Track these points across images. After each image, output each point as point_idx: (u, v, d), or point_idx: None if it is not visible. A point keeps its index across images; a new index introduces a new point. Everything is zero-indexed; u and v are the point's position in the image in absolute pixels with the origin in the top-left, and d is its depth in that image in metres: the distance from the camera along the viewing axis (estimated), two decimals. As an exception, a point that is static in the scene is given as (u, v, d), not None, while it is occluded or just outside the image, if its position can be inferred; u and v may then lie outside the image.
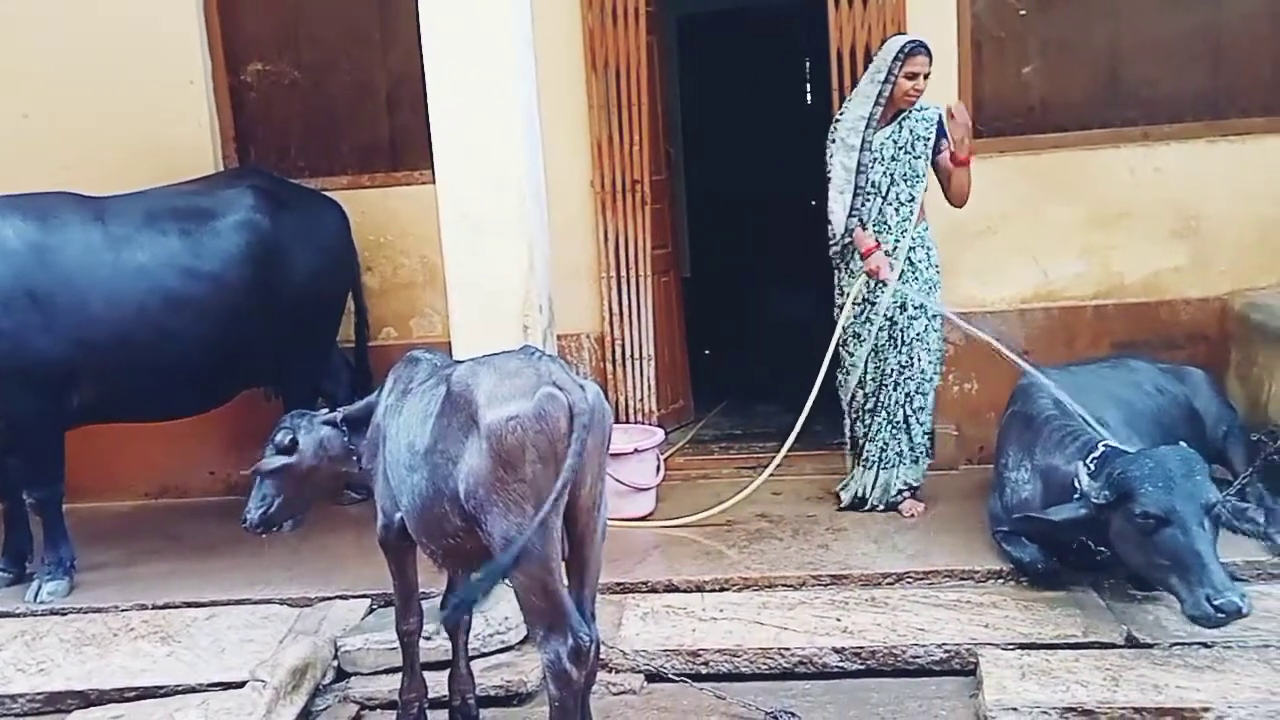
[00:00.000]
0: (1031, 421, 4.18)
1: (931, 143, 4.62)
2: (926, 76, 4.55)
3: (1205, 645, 3.49)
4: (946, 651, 3.67)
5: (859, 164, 4.63)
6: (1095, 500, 3.57)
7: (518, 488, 2.77)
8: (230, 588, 4.44)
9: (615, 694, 3.70)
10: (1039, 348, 5.15)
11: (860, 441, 4.83)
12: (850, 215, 4.67)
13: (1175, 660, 3.45)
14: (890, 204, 4.65)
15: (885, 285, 4.61)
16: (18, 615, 4.38)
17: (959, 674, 3.63)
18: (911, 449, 4.77)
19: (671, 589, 4.23)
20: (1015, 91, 5.41)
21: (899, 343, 4.68)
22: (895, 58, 4.53)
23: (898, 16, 5.20)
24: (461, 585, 3.35)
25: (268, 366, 5.05)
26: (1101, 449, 3.74)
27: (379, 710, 3.70)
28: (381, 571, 3.46)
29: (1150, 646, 3.55)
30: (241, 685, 3.59)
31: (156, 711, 3.56)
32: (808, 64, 9.34)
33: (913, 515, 4.76)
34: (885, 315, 4.66)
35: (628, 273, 5.62)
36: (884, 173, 4.63)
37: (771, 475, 4.81)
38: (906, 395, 4.71)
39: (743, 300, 8.91)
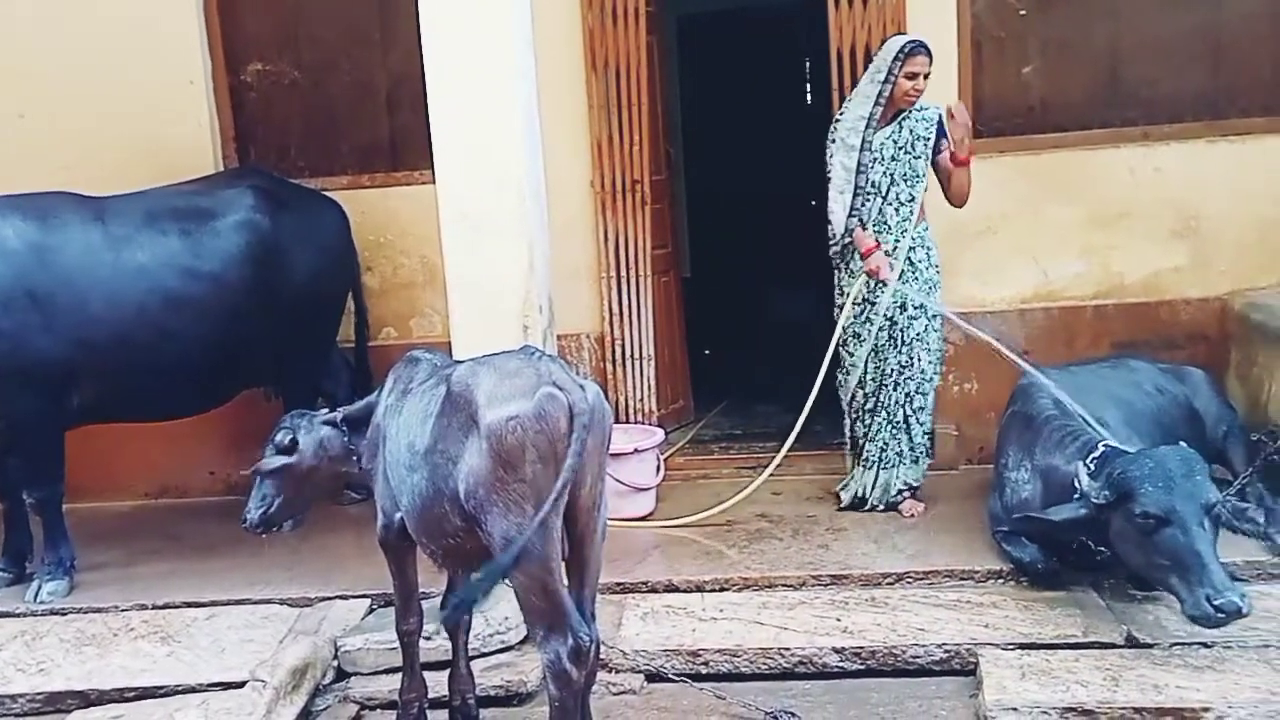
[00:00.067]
0: (1031, 421, 4.18)
1: (931, 143, 4.62)
2: (926, 76, 4.55)
3: (1205, 645, 3.49)
4: (946, 651, 3.67)
5: (859, 164, 4.63)
6: (1095, 500, 3.57)
7: (518, 488, 2.77)
8: (230, 588, 4.44)
9: (615, 694, 3.70)
10: (1039, 348, 5.15)
11: (860, 441, 4.83)
12: (850, 215, 4.67)
13: (1175, 660, 3.45)
14: (890, 204, 4.65)
15: (885, 285, 4.61)
16: (18, 615, 4.38)
17: (959, 674, 3.63)
18: (911, 449, 4.77)
19: (671, 589, 4.23)
20: (1015, 91, 5.41)
21: (899, 343, 4.68)
22: (895, 57, 4.53)
23: (898, 16, 5.20)
24: (461, 585, 3.35)
25: (268, 366, 5.05)
26: (1101, 449, 3.75)
27: (379, 710, 3.70)
28: (381, 571, 3.46)
29: (1150, 646, 3.55)
30: (241, 685, 3.59)
31: (156, 711, 3.56)
32: (808, 64, 9.34)
33: (913, 515, 4.76)
34: (885, 315, 4.66)
35: (628, 273, 5.62)
36: (884, 172, 4.63)
37: (771, 475, 4.81)
38: (906, 395, 4.71)
39: (743, 300, 8.91)
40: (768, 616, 3.94)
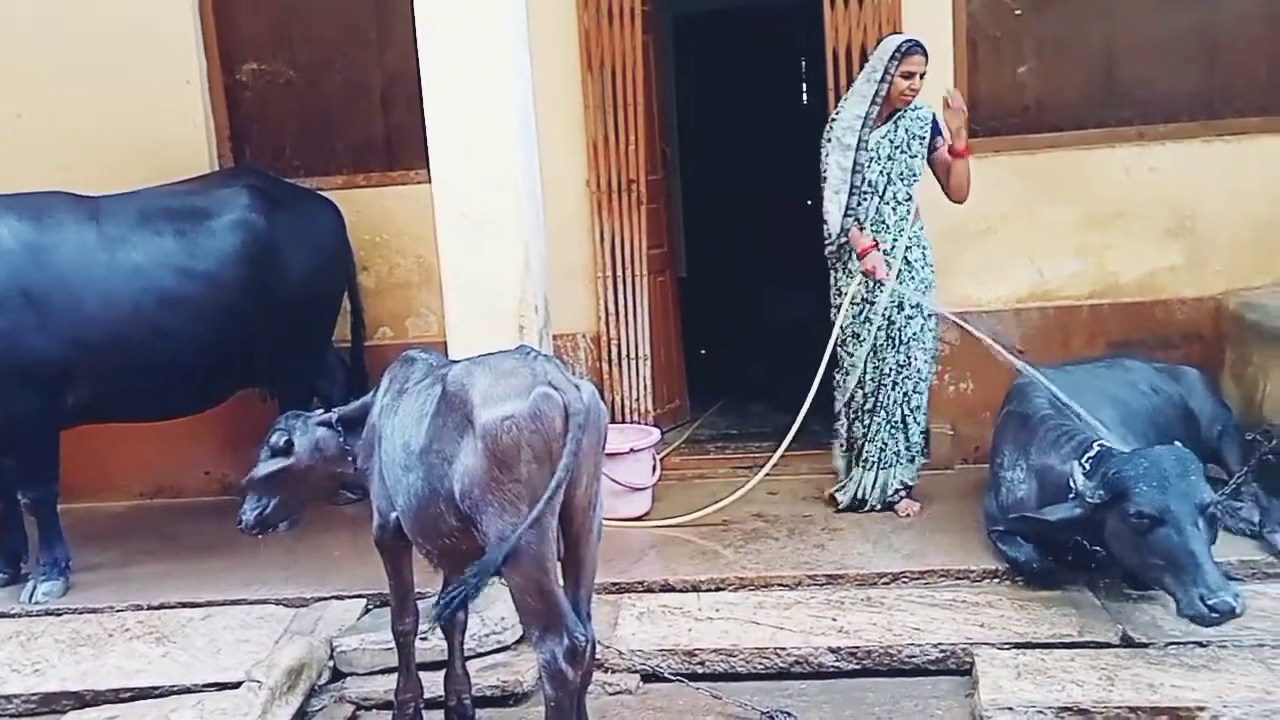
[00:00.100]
0: (1027, 421, 4.19)
1: (927, 141, 4.63)
2: (923, 76, 4.55)
3: (1200, 644, 3.49)
4: (942, 651, 3.67)
5: (855, 163, 4.63)
6: (1090, 500, 3.57)
7: (513, 487, 2.77)
8: (226, 588, 4.44)
9: (611, 694, 3.69)
10: (1035, 347, 5.16)
11: (860, 442, 4.81)
12: (846, 215, 4.67)
13: (1170, 660, 3.45)
14: (887, 203, 4.65)
15: (882, 285, 4.61)
16: (13, 616, 4.38)
17: (954, 673, 3.63)
18: (908, 448, 4.77)
19: (667, 589, 4.23)
20: (1011, 91, 5.42)
21: (897, 342, 4.68)
22: (892, 57, 4.53)
23: (893, 16, 5.21)
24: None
25: (263, 366, 5.04)
26: (1096, 448, 3.75)
27: (374, 710, 3.70)
28: (377, 572, 3.46)
29: (1145, 646, 3.56)
30: (237, 686, 3.59)
31: (151, 712, 3.55)
32: (804, 63, 9.34)
33: (909, 515, 4.76)
34: (883, 315, 4.67)
35: (624, 272, 5.62)
36: (880, 172, 4.63)
37: (767, 475, 4.81)
38: (904, 395, 4.72)
39: (739, 300, 8.91)
40: (764, 616, 3.95)
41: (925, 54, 4.54)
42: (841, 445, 4.91)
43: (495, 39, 3.99)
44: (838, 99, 4.98)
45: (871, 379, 4.74)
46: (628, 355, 5.65)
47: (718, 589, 4.20)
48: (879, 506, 4.81)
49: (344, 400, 4.07)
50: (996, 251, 5.35)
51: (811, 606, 4.00)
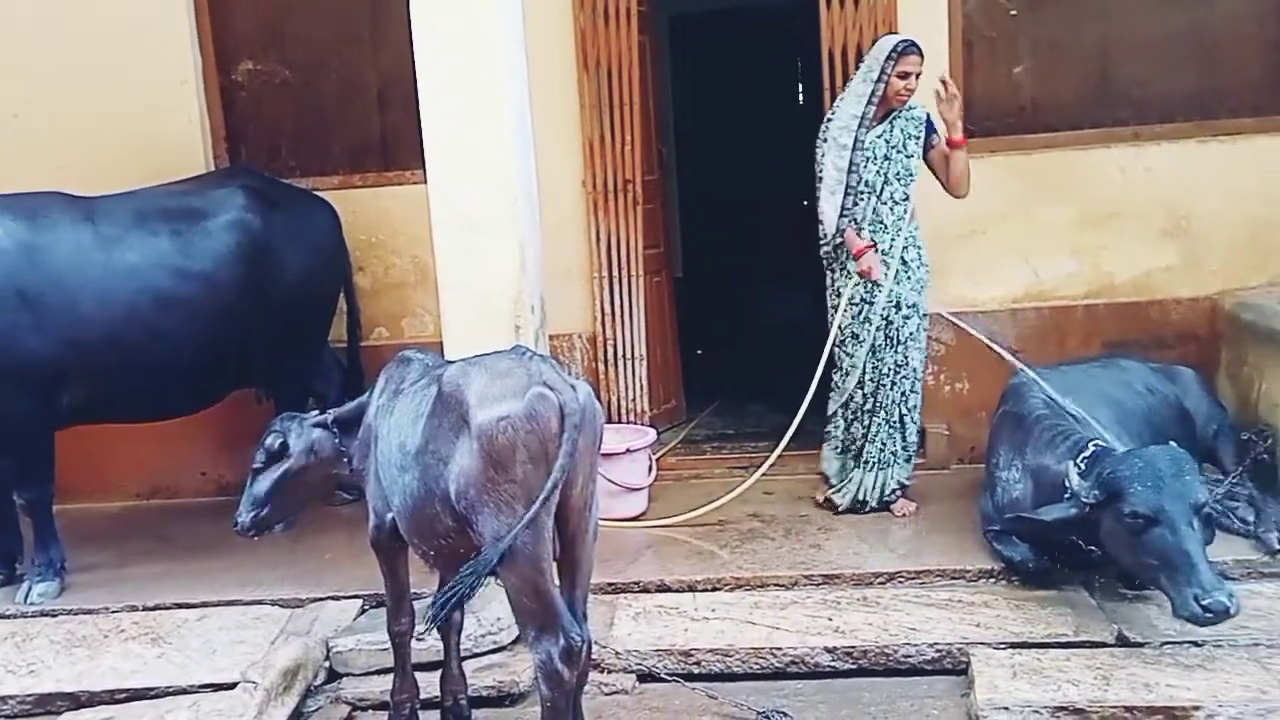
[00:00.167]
0: (1022, 421, 4.19)
1: (922, 141, 4.64)
2: (918, 76, 4.55)
3: (1196, 644, 3.50)
4: (938, 651, 3.68)
5: (851, 164, 4.63)
6: (1085, 500, 3.58)
7: (509, 488, 2.77)
8: (222, 589, 4.43)
9: (607, 694, 3.69)
10: (1030, 347, 5.16)
11: (859, 443, 4.80)
12: (842, 215, 4.68)
13: (1166, 659, 3.46)
14: (885, 203, 4.65)
15: (879, 286, 4.61)
16: (8, 617, 4.37)
17: (951, 673, 3.64)
18: (904, 447, 4.78)
19: (664, 589, 4.23)
20: (1006, 91, 5.42)
21: (895, 342, 4.68)
22: (888, 57, 4.54)
23: (889, 16, 5.21)
24: (452, 585, 3.35)
25: (259, 367, 5.03)
26: (1092, 448, 3.76)
27: (371, 711, 3.70)
28: (373, 572, 3.45)
29: (1141, 645, 3.57)
30: (233, 686, 3.59)
31: (147, 713, 3.56)
32: (800, 64, 9.35)
33: (905, 515, 4.76)
34: (881, 315, 4.67)
35: (620, 273, 5.61)
36: (877, 172, 4.63)
37: (763, 475, 4.81)
38: (902, 394, 4.72)
39: (735, 300, 8.91)
40: (760, 616, 3.95)
41: (921, 54, 4.54)
42: (835, 447, 4.89)
43: (491, 39, 3.99)
44: (834, 99, 4.98)
45: (870, 379, 4.74)
46: (624, 355, 5.64)
47: (714, 589, 4.20)
48: (875, 506, 4.81)
49: (340, 401, 4.06)
50: (992, 251, 5.35)
51: (807, 606, 4.00)
